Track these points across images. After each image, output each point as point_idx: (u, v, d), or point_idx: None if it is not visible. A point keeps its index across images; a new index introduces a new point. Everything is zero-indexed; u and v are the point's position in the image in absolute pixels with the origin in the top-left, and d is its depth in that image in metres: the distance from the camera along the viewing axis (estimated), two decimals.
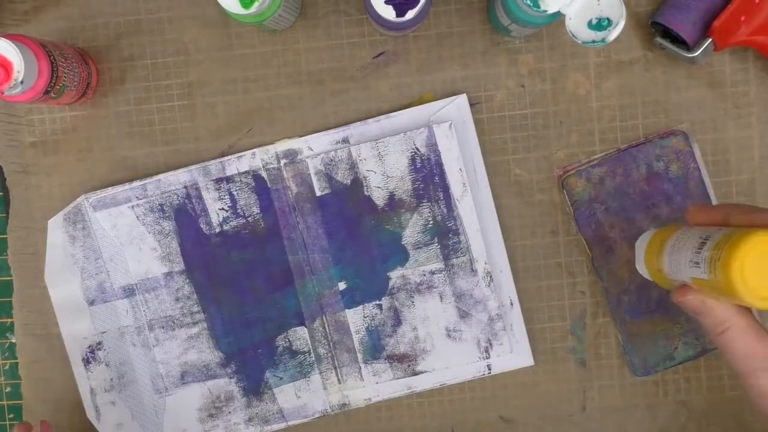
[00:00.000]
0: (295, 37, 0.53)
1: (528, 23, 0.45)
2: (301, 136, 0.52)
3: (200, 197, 0.52)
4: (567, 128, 0.53)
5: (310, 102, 0.53)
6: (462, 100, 0.52)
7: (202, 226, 0.53)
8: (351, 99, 0.53)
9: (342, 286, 0.53)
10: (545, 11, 0.42)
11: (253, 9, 0.44)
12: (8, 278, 0.55)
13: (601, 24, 0.42)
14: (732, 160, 0.53)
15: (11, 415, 0.56)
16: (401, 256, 0.53)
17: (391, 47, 0.53)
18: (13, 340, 0.55)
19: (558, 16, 0.43)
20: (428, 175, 0.52)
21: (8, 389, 0.56)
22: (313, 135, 0.52)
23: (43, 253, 0.54)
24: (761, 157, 0.53)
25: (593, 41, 0.43)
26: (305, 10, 0.52)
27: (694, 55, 0.49)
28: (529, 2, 0.42)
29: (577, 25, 0.43)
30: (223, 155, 0.53)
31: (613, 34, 0.42)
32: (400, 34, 0.52)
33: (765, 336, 0.39)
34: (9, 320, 0.55)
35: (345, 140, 0.52)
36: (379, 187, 0.52)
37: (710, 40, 0.49)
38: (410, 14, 0.44)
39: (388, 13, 0.44)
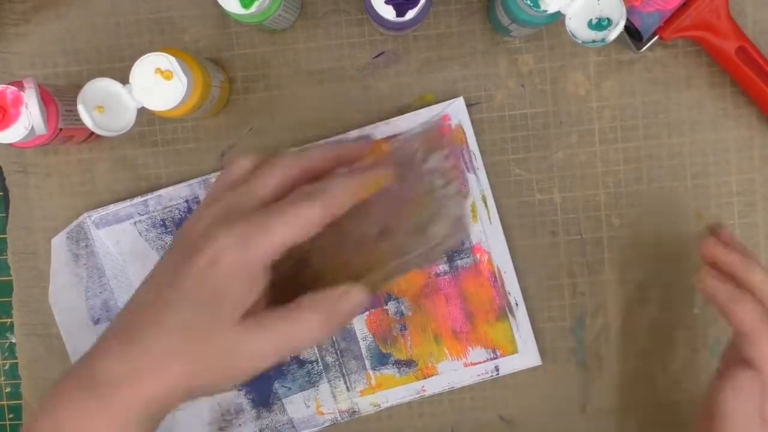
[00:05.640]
0: (295, 37, 0.53)
1: (528, 23, 0.45)
2: (298, 145, 0.52)
3: None
4: (567, 128, 0.53)
5: (310, 102, 0.53)
6: (459, 102, 0.52)
7: None
8: (351, 99, 0.53)
9: None
10: (545, 11, 0.42)
11: (253, 9, 0.44)
12: (8, 278, 0.55)
13: (601, 24, 0.42)
14: (732, 160, 0.53)
15: (11, 415, 0.56)
16: None
17: (391, 47, 0.53)
18: (13, 340, 0.55)
19: (558, 16, 0.43)
20: None
21: (8, 389, 0.56)
22: (312, 144, 0.52)
23: (42, 253, 0.53)
24: (761, 157, 0.53)
25: (593, 41, 0.43)
26: (305, 10, 0.52)
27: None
28: (529, 2, 0.42)
29: (577, 25, 0.42)
30: (223, 155, 0.53)
31: (613, 34, 0.42)
32: (400, 34, 0.52)
33: None
34: (9, 320, 0.55)
35: None
36: None
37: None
38: (410, 14, 0.44)
39: (388, 13, 0.44)
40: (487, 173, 0.52)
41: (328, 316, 0.36)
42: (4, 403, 0.56)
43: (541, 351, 0.54)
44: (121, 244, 0.52)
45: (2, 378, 0.56)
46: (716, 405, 0.44)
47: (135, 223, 0.52)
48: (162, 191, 0.52)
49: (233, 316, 0.35)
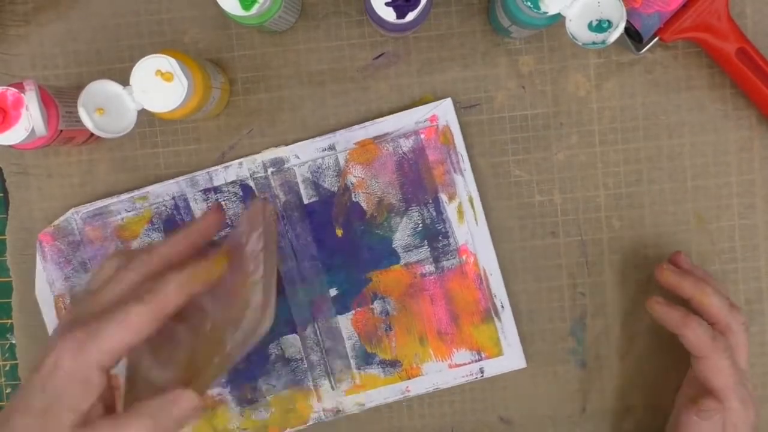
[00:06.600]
0: (296, 38, 0.53)
1: (528, 25, 0.45)
2: (287, 144, 0.52)
3: (188, 208, 0.52)
4: (567, 129, 0.53)
5: (310, 103, 0.53)
6: (447, 103, 0.52)
7: None
8: (351, 100, 0.53)
9: (333, 292, 0.53)
10: (545, 13, 0.42)
11: (253, 11, 0.44)
12: (8, 279, 0.55)
13: (601, 26, 0.42)
14: (732, 161, 0.53)
15: None
16: (392, 260, 0.53)
17: (392, 48, 0.53)
18: (14, 341, 0.55)
19: (558, 18, 0.43)
20: (416, 178, 0.52)
21: (9, 390, 0.56)
22: (300, 143, 0.52)
23: None
24: (761, 159, 0.53)
25: (593, 43, 0.43)
26: (305, 11, 0.52)
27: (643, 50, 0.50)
28: (529, 3, 0.42)
29: (577, 27, 0.42)
30: (223, 156, 0.53)
31: (614, 35, 0.42)
32: (401, 36, 0.52)
33: None
34: (9, 321, 0.55)
35: (331, 147, 0.52)
36: (366, 193, 0.52)
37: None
38: (411, 16, 0.44)
39: (388, 14, 0.44)
40: (488, 175, 0.52)
41: (158, 423, 0.36)
42: (5, 404, 0.56)
43: (541, 352, 0.54)
44: (107, 240, 0.53)
45: (3, 379, 0.56)
46: (680, 427, 0.47)
47: (122, 219, 0.52)
48: (149, 188, 0.52)
49: (68, 424, 0.35)
